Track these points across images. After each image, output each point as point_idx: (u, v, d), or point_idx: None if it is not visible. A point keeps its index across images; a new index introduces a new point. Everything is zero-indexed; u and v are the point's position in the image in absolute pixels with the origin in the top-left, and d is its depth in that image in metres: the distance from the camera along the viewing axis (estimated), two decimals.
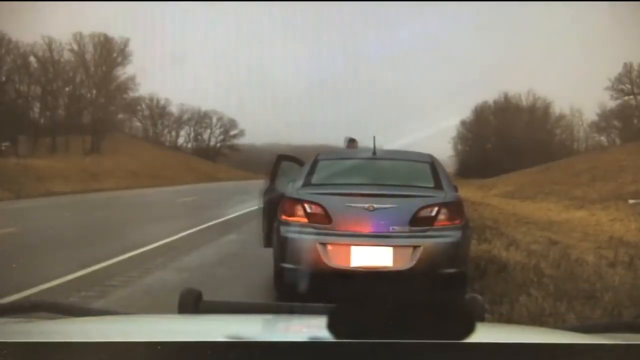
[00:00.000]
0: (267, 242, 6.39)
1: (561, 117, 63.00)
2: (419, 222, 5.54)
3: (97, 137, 56.26)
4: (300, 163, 6.76)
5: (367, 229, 5.51)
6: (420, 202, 5.64)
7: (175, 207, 18.69)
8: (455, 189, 6.27)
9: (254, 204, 19.01)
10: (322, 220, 5.54)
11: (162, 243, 9.91)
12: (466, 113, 61.18)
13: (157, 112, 69.32)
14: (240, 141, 70.87)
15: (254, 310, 1.70)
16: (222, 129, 71.77)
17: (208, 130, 72.21)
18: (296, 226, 5.57)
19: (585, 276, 6.94)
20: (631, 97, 55.38)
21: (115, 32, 58.23)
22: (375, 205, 5.53)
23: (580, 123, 62.85)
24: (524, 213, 17.72)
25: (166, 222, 13.79)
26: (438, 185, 6.03)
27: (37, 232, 11.47)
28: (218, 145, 72.04)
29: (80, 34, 57.02)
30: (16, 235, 11.07)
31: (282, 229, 5.65)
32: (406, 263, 5.41)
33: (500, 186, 34.52)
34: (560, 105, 62.62)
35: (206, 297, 1.56)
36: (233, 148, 70.70)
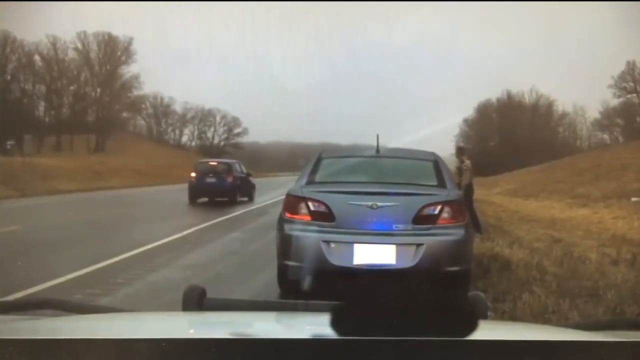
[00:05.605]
0: None
1: (564, 115, 63.01)
2: (422, 220, 5.54)
3: (102, 135, 56.40)
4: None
5: (370, 227, 5.51)
6: (423, 200, 5.64)
7: (180, 205, 18.69)
8: (459, 187, 6.27)
9: (256, 203, 19.26)
10: (326, 218, 5.55)
11: (167, 241, 9.95)
12: (469, 111, 61.19)
13: (161, 110, 69.40)
14: (244, 139, 70.94)
15: (258, 307, 1.70)
16: (225, 127, 71.81)
17: (212, 129, 72.27)
18: (300, 224, 5.58)
19: (588, 274, 6.93)
20: (634, 95, 55.31)
21: (120, 31, 58.41)
22: (379, 204, 5.53)
23: (583, 121, 62.84)
24: (526, 211, 17.68)
25: (171, 219, 13.83)
26: (441, 184, 6.03)
27: (42, 230, 11.49)
28: (222, 143, 71.98)
29: (85, 32, 57.24)
30: (21, 233, 11.11)
31: (286, 226, 5.65)
32: (409, 261, 5.41)
33: (503, 184, 34.51)
34: (563, 103, 62.63)
35: (210, 294, 1.57)
36: (237, 146, 70.54)
